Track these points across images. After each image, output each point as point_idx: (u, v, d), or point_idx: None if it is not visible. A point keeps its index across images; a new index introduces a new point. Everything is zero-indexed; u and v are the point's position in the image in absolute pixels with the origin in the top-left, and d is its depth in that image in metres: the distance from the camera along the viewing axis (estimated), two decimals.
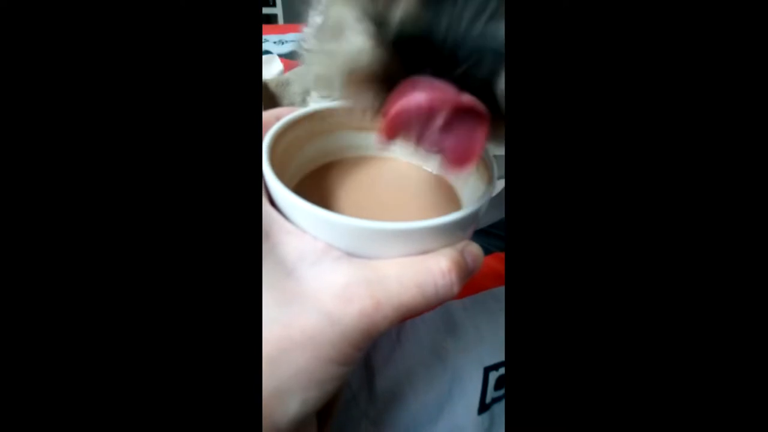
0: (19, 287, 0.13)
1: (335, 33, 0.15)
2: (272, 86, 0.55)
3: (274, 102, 0.55)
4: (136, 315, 0.13)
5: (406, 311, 0.15)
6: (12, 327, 0.13)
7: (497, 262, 0.42)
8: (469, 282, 0.38)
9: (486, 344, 0.31)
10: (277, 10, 1.90)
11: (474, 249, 0.18)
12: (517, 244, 0.13)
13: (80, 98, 0.13)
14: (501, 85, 0.13)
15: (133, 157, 0.13)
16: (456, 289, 0.16)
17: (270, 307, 0.14)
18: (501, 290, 0.37)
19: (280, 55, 0.92)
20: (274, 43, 1.02)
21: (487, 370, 0.29)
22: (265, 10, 1.91)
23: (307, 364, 0.14)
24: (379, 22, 0.14)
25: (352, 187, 0.22)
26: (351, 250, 0.16)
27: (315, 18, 0.17)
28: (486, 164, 0.20)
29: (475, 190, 0.21)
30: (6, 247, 0.13)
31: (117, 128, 0.13)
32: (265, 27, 1.16)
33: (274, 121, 0.21)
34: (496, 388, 0.29)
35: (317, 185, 0.22)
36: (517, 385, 0.13)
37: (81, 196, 0.13)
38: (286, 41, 1.04)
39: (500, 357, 0.30)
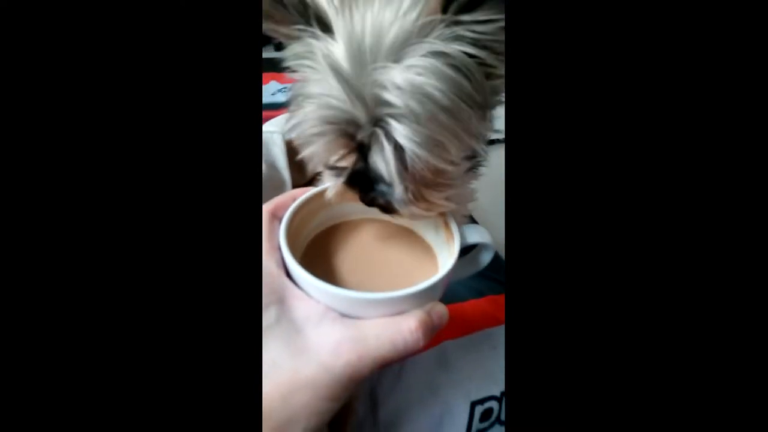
0: (18, 288, 0.14)
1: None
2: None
3: (296, 154, 0.62)
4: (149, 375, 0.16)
5: (383, 361, 0.20)
6: (12, 327, 0.14)
7: (490, 304, 0.47)
8: (465, 322, 0.44)
9: (474, 380, 0.36)
10: None
11: (439, 309, 0.23)
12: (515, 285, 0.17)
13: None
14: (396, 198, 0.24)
15: (147, 241, 0.16)
16: (422, 343, 0.21)
17: (285, 357, 0.20)
18: (493, 330, 0.42)
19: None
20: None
21: (473, 405, 0.34)
22: (277, 54, 2.03)
23: (309, 400, 0.19)
24: (342, 170, 0.24)
25: (351, 247, 0.29)
26: (343, 311, 0.22)
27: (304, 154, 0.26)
28: (452, 237, 0.26)
29: (447, 253, 0.26)
30: (6, 247, 0.14)
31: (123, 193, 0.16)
32: (277, 76, 1.22)
33: (290, 201, 0.26)
34: (481, 420, 0.34)
35: (325, 244, 0.28)
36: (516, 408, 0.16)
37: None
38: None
39: (486, 392, 0.35)
